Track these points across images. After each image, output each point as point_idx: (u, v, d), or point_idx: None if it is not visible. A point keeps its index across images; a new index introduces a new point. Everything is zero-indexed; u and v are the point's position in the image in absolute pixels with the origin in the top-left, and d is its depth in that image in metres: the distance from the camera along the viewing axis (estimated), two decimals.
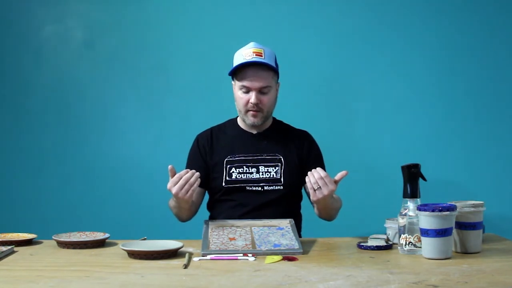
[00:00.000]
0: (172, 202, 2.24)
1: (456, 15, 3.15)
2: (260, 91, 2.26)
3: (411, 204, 1.88)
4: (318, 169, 2.03)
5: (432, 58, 3.15)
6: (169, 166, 2.05)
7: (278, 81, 2.36)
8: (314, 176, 2.00)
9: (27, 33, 3.23)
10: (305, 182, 2.35)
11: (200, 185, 2.36)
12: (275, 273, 1.62)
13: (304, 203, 2.42)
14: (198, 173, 2.04)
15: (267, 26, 3.17)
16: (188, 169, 2.05)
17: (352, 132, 3.16)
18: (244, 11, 3.19)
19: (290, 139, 2.39)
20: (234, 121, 2.44)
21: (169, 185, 2.04)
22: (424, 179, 1.94)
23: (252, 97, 2.25)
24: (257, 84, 2.25)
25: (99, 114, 3.22)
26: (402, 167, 1.94)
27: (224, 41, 3.15)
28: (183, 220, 2.34)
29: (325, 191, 2.00)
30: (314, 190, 2.00)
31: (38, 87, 3.23)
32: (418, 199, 1.91)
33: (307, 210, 2.39)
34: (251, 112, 2.29)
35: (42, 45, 3.24)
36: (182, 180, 2.02)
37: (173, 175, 2.04)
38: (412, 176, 1.91)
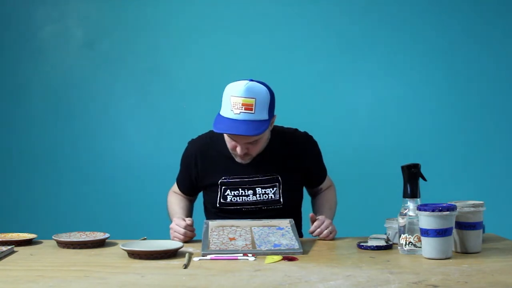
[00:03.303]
0: (169, 210, 2.34)
1: (457, 15, 3.16)
2: (248, 142, 2.12)
3: (411, 204, 1.88)
4: (320, 219, 2.12)
5: (433, 58, 3.16)
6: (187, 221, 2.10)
7: (275, 114, 2.17)
8: (318, 227, 2.11)
9: (27, 33, 3.23)
10: (305, 182, 2.35)
11: (190, 194, 2.36)
12: (275, 273, 1.62)
13: (305, 203, 2.42)
14: (192, 223, 2.10)
15: (267, 26, 3.17)
16: (185, 223, 2.09)
17: (352, 132, 3.16)
18: (244, 11, 3.20)
19: (288, 150, 2.26)
20: None
21: (171, 227, 2.13)
22: (424, 179, 1.94)
23: (239, 149, 2.12)
24: (244, 140, 2.11)
25: (99, 114, 3.23)
26: (402, 167, 1.93)
27: (224, 41, 3.15)
28: None
29: (328, 236, 2.11)
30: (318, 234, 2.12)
31: (38, 87, 3.24)
32: (418, 199, 1.90)
33: (307, 210, 2.39)
34: (238, 156, 2.16)
35: (42, 45, 3.24)
36: (181, 235, 2.08)
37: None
38: (412, 176, 1.91)
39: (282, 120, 2.49)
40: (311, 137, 2.34)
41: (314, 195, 2.41)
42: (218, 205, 2.23)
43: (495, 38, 3.15)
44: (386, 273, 1.61)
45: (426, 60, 3.16)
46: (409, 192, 1.91)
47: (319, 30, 3.18)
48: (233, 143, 2.13)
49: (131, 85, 3.23)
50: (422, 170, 1.94)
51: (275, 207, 2.23)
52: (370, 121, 3.16)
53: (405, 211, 1.89)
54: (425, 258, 1.78)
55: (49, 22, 3.24)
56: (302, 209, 2.44)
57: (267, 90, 2.10)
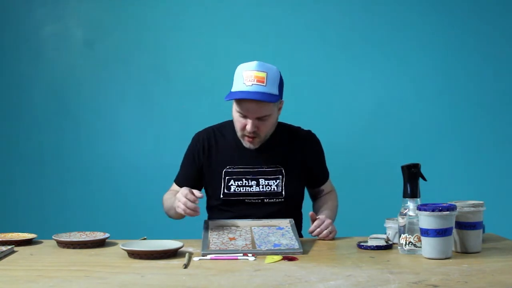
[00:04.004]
0: (170, 204, 2.22)
1: (457, 15, 3.16)
2: (258, 118, 2.16)
3: (411, 204, 1.88)
4: (320, 218, 2.12)
5: (433, 58, 3.16)
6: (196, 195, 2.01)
7: (282, 99, 2.24)
8: (318, 227, 2.10)
9: (27, 33, 3.23)
10: (307, 181, 2.36)
11: (194, 187, 2.34)
12: (275, 273, 1.62)
13: (305, 203, 2.42)
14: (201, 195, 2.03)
15: (267, 25, 3.17)
16: (193, 197, 2.00)
17: (352, 132, 3.16)
18: (244, 10, 3.20)
19: (292, 146, 2.31)
20: (233, 124, 2.30)
21: (179, 203, 2.01)
22: (424, 179, 1.94)
23: (249, 125, 2.15)
24: (254, 114, 2.14)
25: (99, 114, 3.23)
26: (402, 167, 1.93)
27: (224, 41, 3.15)
28: (173, 218, 2.29)
29: (327, 236, 2.11)
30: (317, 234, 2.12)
31: (38, 87, 3.24)
32: (418, 199, 1.90)
33: (307, 210, 2.39)
34: (247, 137, 2.19)
35: (42, 45, 3.24)
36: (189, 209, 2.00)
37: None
38: (412, 176, 1.91)
39: (282, 119, 2.50)
40: (314, 135, 2.39)
41: (315, 197, 2.42)
42: (221, 196, 2.24)
43: (495, 38, 3.15)
44: (386, 273, 1.61)
45: (426, 60, 3.16)
46: (409, 192, 1.91)
47: (319, 30, 3.18)
48: (243, 121, 2.16)
49: (131, 85, 3.22)
50: (422, 170, 1.94)
51: (277, 200, 2.24)
52: (371, 121, 3.16)
53: (405, 211, 1.89)
54: (425, 258, 1.78)
55: (49, 22, 3.24)
56: (303, 210, 2.44)
57: (278, 70, 2.19)
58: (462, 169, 3.14)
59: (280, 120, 2.44)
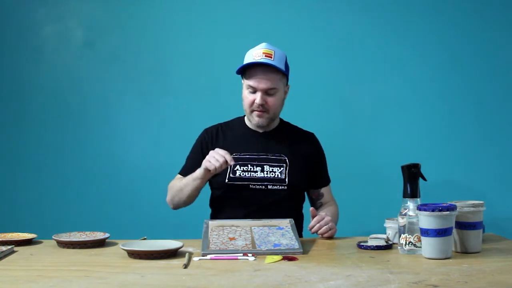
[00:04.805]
0: (181, 183, 2.29)
1: (457, 15, 3.16)
2: (266, 93, 2.27)
3: (411, 204, 1.88)
4: (321, 215, 2.13)
5: (433, 58, 3.15)
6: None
7: (288, 84, 2.36)
8: (318, 223, 2.11)
9: (26, 33, 3.23)
10: (309, 185, 2.37)
11: None
12: (275, 273, 1.62)
13: (306, 204, 2.43)
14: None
15: (268, 26, 3.17)
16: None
17: (352, 132, 3.16)
18: (244, 10, 3.20)
19: (296, 141, 2.40)
20: (241, 119, 2.45)
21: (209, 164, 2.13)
22: (424, 179, 1.94)
23: (258, 97, 2.26)
24: (263, 85, 2.25)
25: (99, 114, 3.23)
26: (402, 167, 1.93)
27: (224, 41, 3.16)
28: (177, 203, 2.33)
29: (328, 233, 2.13)
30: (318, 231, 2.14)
31: (38, 87, 3.24)
32: (418, 199, 1.90)
33: (308, 212, 2.39)
34: (256, 112, 2.29)
35: (42, 45, 3.24)
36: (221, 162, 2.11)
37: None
38: (412, 176, 1.91)
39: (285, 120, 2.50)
40: (317, 138, 2.48)
41: (315, 205, 2.42)
42: (227, 181, 2.29)
43: (494, 39, 3.15)
44: (386, 273, 1.61)
45: (426, 60, 3.15)
46: (409, 192, 1.91)
47: (318, 30, 3.17)
48: (252, 96, 2.27)
49: (131, 85, 3.22)
50: (422, 170, 1.94)
51: (280, 187, 2.29)
52: (371, 121, 3.16)
53: (405, 211, 1.89)
54: (425, 258, 1.78)
55: (49, 22, 3.24)
56: (303, 210, 2.44)
57: (285, 53, 2.33)
58: (462, 169, 3.14)
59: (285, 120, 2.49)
